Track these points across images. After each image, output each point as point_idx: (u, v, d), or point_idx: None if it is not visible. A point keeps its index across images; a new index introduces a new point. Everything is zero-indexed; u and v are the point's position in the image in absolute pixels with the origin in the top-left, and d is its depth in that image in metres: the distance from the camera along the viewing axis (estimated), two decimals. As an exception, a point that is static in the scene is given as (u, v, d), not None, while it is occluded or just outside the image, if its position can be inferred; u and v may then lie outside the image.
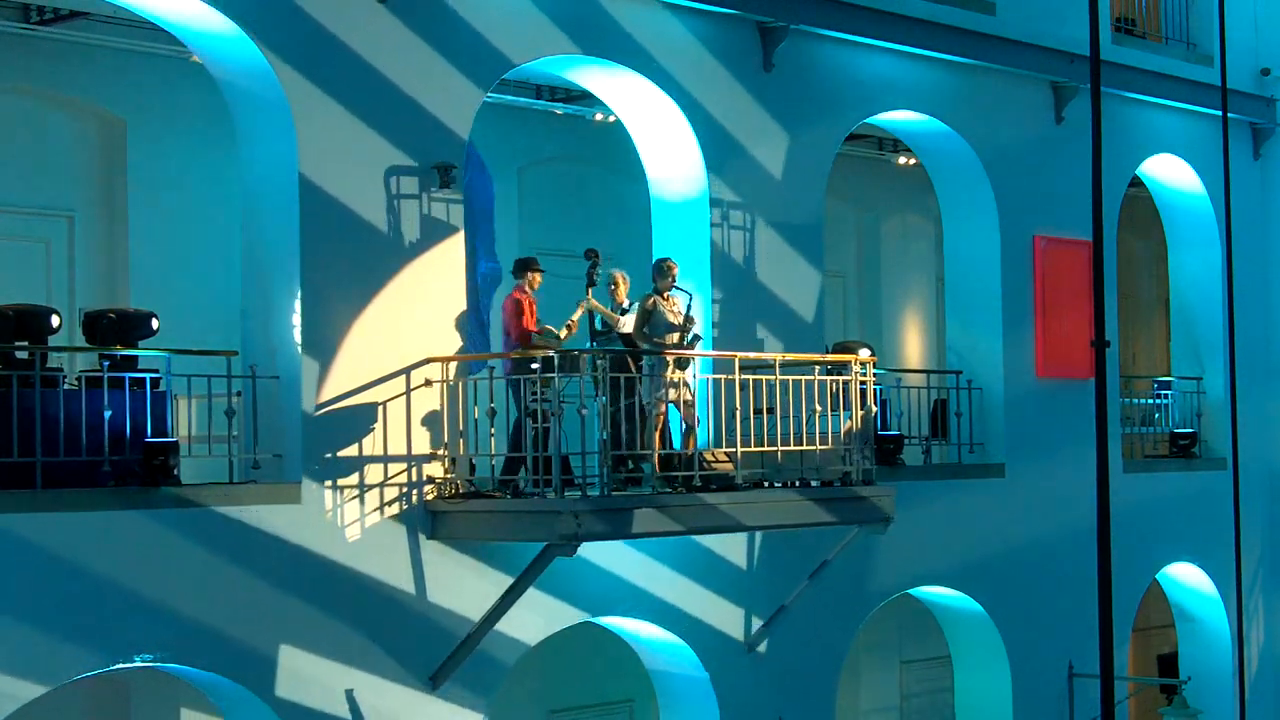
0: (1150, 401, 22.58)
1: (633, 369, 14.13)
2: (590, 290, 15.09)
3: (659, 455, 14.13)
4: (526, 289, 14.64)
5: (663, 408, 14.44)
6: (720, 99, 16.28)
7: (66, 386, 12.34)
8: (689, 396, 14.62)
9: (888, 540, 16.22)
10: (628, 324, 15.06)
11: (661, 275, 14.91)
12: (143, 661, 12.29)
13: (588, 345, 15.06)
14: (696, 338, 14.92)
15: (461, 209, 14.26)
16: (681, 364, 14.51)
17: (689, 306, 14.93)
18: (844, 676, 17.56)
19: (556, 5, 14.96)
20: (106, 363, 12.45)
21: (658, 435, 14.32)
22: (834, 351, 16.86)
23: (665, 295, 14.89)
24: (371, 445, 13.50)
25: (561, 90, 18.58)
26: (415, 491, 13.74)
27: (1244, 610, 20.10)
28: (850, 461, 15.13)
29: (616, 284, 15.21)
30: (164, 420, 12.63)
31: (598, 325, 15.28)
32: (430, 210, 14.00)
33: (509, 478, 13.99)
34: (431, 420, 13.86)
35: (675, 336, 14.74)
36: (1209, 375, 22.25)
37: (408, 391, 13.73)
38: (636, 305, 14.96)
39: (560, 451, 13.34)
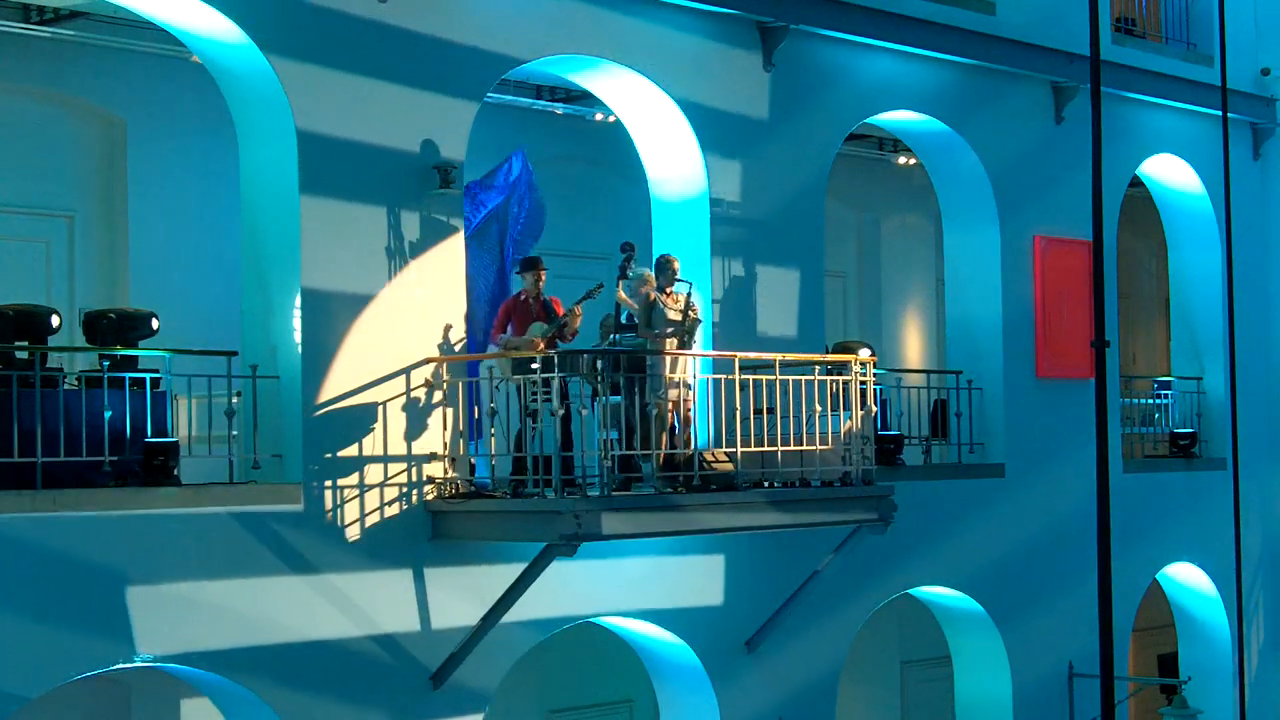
0: (1150, 401, 22.58)
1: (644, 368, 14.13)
2: (621, 283, 15.04)
3: (661, 455, 14.13)
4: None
5: (670, 407, 14.45)
6: (720, 99, 16.27)
7: (66, 386, 12.34)
8: (688, 396, 14.60)
9: (888, 540, 16.20)
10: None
11: (662, 271, 14.92)
12: (143, 661, 12.29)
13: (611, 339, 15.02)
14: (697, 322, 14.89)
15: (462, 212, 14.26)
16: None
17: (689, 295, 14.93)
18: (844, 676, 17.56)
19: (557, 5, 14.96)
20: (106, 363, 12.45)
21: (665, 435, 14.32)
22: (834, 351, 16.87)
23: (667, 291, 14.90)
24: (371, 445, 13.49)
25: (561, 90, 18.59)
26: (415, 491, 13.73)
27: (1244, 610, 20.10)
28: (850, 461, 15.14)
29: (646, 283, 15.18)
30: (164, 420, 12.63)
31: (624, 319, 15.25)
32: (430, 210, 14.00)
33: (518, 478, 13.98)
34: (432, 421, 13.85)
35: (674, 331, 14.75)
36: (1209, 375, 22.24)
37: (408, 391, 13.73)
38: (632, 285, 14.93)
39: (560, 452, 13.33)
